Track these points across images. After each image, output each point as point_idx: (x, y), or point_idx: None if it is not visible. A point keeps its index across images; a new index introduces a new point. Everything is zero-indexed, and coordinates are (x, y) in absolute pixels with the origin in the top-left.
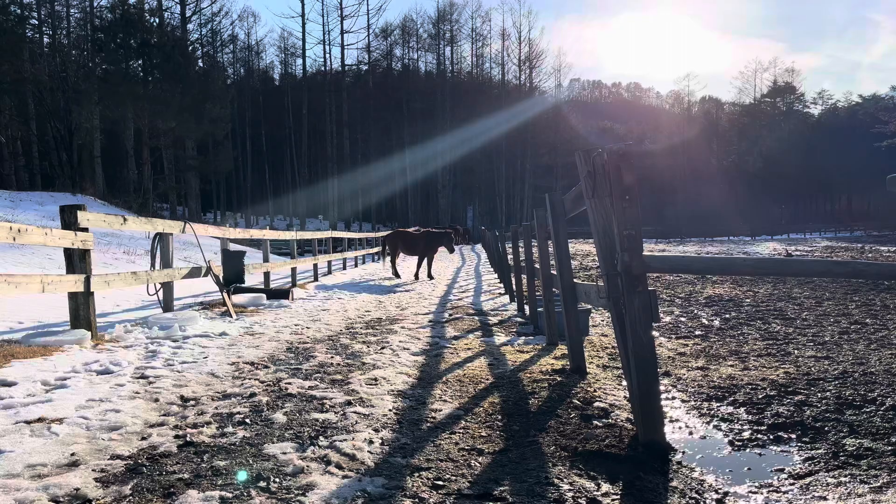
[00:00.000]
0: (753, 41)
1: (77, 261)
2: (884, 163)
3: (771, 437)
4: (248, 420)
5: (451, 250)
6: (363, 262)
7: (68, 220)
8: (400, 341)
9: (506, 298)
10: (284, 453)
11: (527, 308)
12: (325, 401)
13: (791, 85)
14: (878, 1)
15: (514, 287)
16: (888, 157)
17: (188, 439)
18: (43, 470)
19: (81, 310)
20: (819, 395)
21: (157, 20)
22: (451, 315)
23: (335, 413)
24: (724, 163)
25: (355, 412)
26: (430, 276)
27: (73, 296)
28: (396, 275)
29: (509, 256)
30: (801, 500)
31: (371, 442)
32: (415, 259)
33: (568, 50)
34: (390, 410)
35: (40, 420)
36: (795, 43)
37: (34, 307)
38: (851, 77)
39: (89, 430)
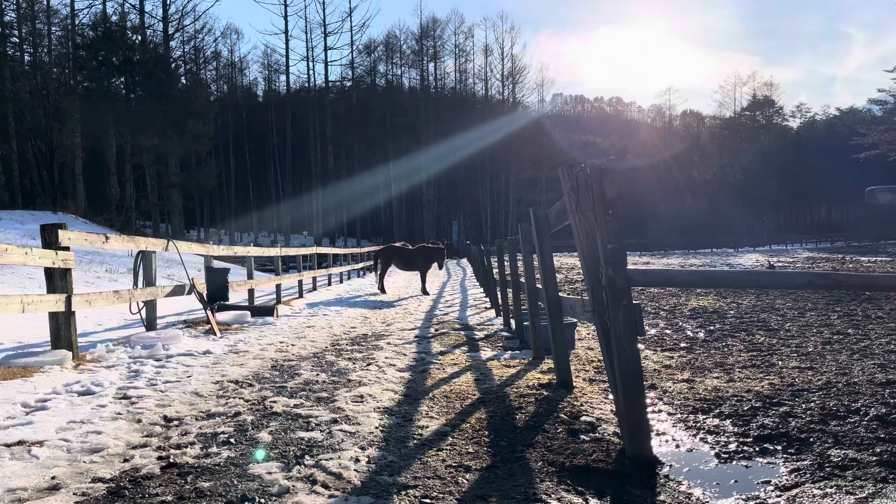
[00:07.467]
0: (731, 55)
1: (58, 280)
2: (862, 175)
3: (757, 448)
4: (232, 440)
5: (441, 266)
6: (348, 278)
7: (49, 238)
8: (386, 357)
9: (492, 313)
10: (270, 473)
11: (513, 322)
12: (310, 419)
13: (770, 98)
14: (851, 14)
15: (499, 301)
16: (866, 169)
17: (171, 460)
18: (23, 494)
19: (62, 330)
20: (804, 406)
21: (139, 37)
22: (437, 330)
23: (321, 431)
24: (706, 175)
25: (341, 430)
26: (426, 292)
27: (53, 315)
28: (382, 290)
29: (494, 270)
30: None
31: (357, 460)
32: (402, 274)
33: (550, 65)
34: (377, 428)
35: (20, 443)
36: (771, 56)
37: (14, 327)
38: (827, 90)
39: (70, 452)
